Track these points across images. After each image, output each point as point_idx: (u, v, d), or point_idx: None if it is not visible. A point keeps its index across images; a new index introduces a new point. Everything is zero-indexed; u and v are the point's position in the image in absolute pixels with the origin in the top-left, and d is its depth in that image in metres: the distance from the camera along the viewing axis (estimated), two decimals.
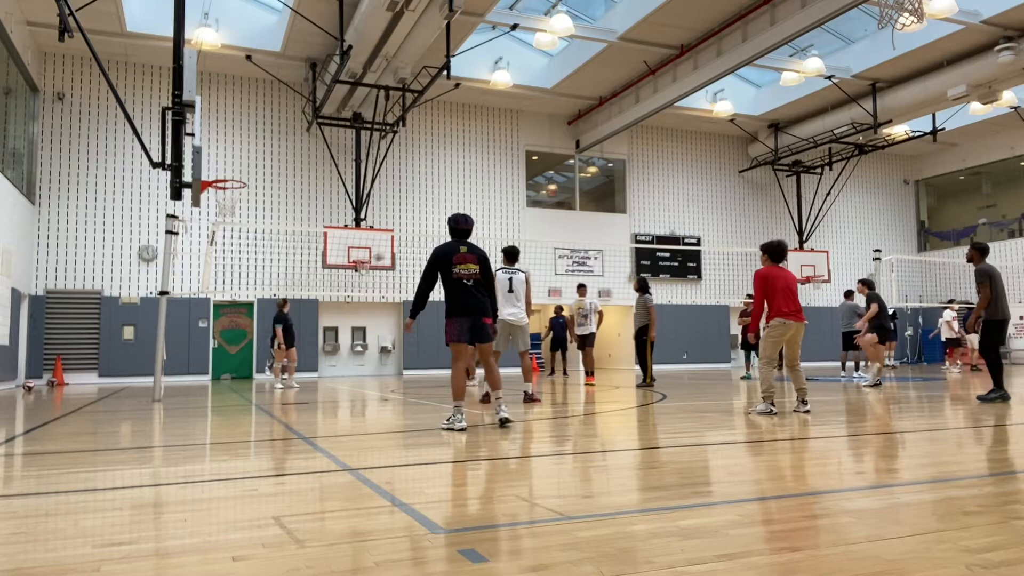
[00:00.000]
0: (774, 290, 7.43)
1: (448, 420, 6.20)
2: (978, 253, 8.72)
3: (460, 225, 6.50)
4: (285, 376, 13.78)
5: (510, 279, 8.99)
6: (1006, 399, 8.23)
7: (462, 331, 6.27)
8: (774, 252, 7.67)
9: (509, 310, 8.96)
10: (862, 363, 15.12)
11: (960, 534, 2.57)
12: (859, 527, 2.69)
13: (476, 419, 7.06)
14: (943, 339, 18.58)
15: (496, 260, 10.63)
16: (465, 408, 6.23)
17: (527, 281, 9.20)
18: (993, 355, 8.36)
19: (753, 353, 16.18)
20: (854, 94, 21.31)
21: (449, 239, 6.54)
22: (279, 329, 13.55)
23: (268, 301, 19.41)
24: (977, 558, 2.29)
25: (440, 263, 6.33)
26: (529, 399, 8.93)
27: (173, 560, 2.40)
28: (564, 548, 2.48)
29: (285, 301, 13.79)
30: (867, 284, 12.77)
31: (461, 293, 6.28)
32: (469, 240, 6.53)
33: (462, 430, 5.99)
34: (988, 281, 8.35)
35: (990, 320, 8.39)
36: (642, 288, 12.49)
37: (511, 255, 9.15)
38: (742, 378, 14.89)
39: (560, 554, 2.40)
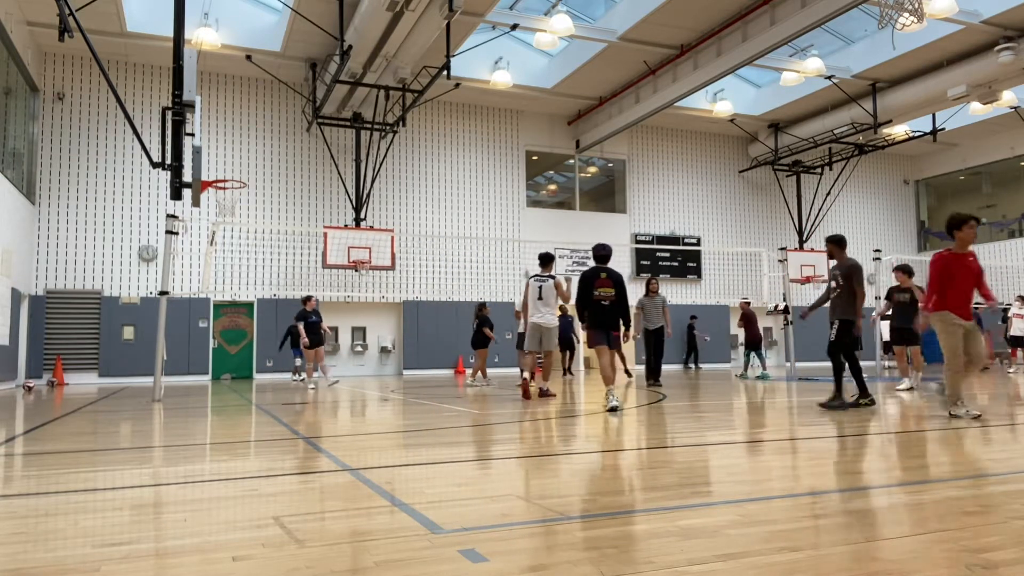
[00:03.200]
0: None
1: (608, 399, 7.61)
2: (839, 247, 8.11)
3: (599, 252, 8.11)
4: (319, 375, 13.77)
5: (540, 287, 9.76)
6: (866, 404, 7.51)
7: (600, 338, 7.88)
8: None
9: (539, 315, 9.73)
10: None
11: (960, 534, 2.57)
12: (859, 527, 2.69)
13: (481, 419, 7.06)
14: (1010, 335, 16.66)
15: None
16: (615, 389, 7.98)
17: (558, 285, 9.77)
18: (851, 357, 7.68)
19: (753, 353, 16.15)
20: (854, 94, 21.30)
21: (594, 264, 8.12)
22: (301, 326, 13.61)
23: (268, 301, 19.42)
24: (977, 558, 2.29)
25: (586, 286, 7.94)
26: (544, 393, 9.74)
27: (173, 560, 2.40)
28: (564, 548, 2.48)
29: (308, 298, 13.87)
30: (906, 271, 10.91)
31: (599, 312, 7.89)
32: (608, 265, 8.06)
33: (613, 409, 7.40)
34: (863, 278, 7.75)
35: (847, 320, 7.66)
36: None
37: (543, 262, 9.87)
38: (758, 377, 14.48)
39: (560, 554, 2.40)
